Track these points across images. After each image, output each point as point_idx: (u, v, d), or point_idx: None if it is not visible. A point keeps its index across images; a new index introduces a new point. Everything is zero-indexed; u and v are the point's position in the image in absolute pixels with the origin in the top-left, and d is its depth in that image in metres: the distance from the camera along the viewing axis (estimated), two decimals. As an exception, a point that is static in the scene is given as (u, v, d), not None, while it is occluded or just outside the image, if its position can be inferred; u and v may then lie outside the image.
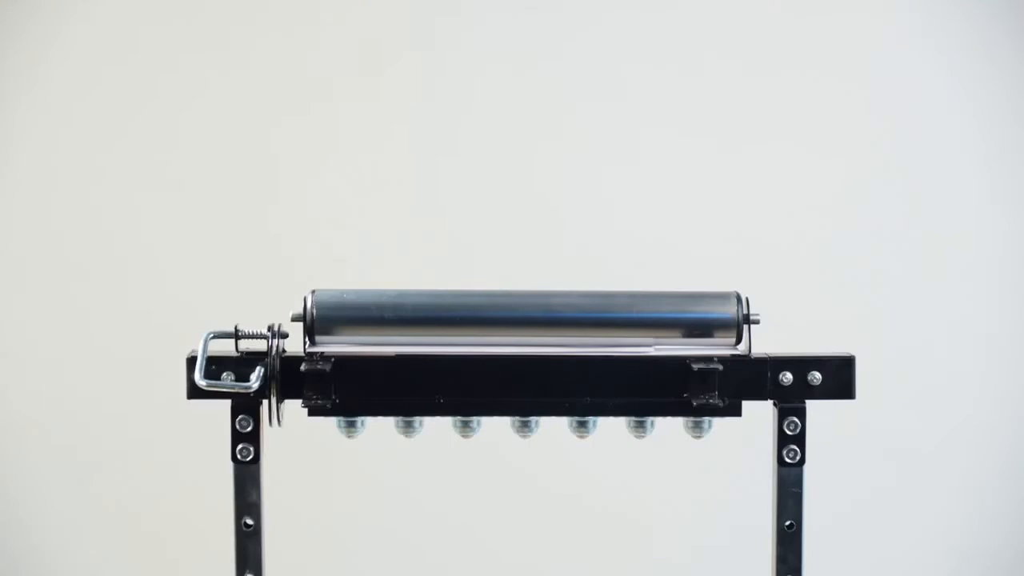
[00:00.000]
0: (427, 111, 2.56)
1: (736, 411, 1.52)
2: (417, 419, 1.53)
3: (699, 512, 2.61)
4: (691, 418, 1.53)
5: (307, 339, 1.52)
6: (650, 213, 2.59)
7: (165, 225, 2.56)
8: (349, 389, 1.50)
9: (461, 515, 2.61)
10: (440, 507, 2.61)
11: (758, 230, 2.58)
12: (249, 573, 1.49)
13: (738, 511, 2.57)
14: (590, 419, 1.53)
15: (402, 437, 1.55)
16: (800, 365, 1.52)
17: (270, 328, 1.50)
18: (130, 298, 2.56)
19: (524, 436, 1.55)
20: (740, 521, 2.56)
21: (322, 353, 1.50)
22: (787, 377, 1.52)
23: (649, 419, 1.54)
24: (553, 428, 1.58)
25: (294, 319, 1.51)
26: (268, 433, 1.52)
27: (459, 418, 1.53)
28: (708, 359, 1.51)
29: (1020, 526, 2.59)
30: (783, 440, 1.52)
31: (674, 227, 2.58)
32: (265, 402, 1.49)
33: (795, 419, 1.52)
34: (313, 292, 1.52)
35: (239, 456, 1.50)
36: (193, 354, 1.49)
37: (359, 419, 1.53)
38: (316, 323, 1.51)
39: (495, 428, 1.59)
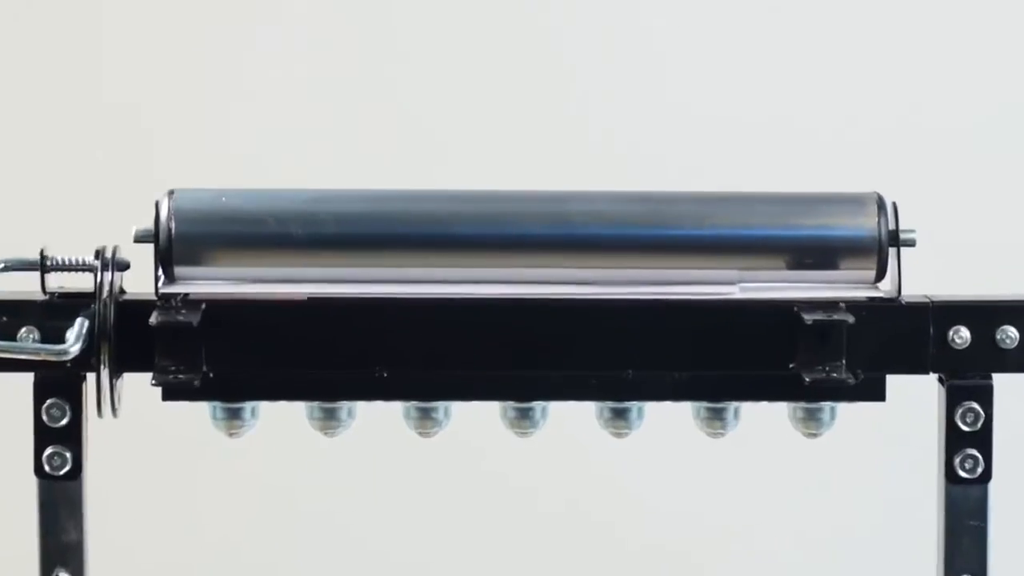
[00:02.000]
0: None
1: (877, 393, 1.52)
2: (345, 405, 1.53)
3: (810, 554, 2.71)
4: (802, 403, 1.53)
5: (161, 272, 1.52)
6: (726, 72, 2.67)
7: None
8: (230, 356, 1.49)
9: (420, 559, 2.69)
10: (383, 546, 2.68)
11: (903, 99, 2.66)
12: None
13: (875, 553, 2.68)
14: (633, 405, 1.53)
15: (320, 435, 1.55)
16: (983, 315, 1.52)
17: (99, 254, 1.50)
18: None
19: (523, 433, 1.55)
20: (878, 570, 2.66)
21: (186, 295, 1.51)
22: (962, 335, 1.51)
23: (731, 405, 1.54)
24: (571, 420, 1.60)
25: (139, 238, 1.51)
26: (96, 428, 1.51)
27: (414, 403, 1.53)
28: (830, 305, 1.50)
29: None
30: (955, 440, 1.51)
31: (767, 93, 2.67)
32: (91, 376, 1.49)
33: (975, 406, 1.51)
34: (171, 193, 1.52)
35: (48, 467, 1.50)
36: (-27, 296, 1.52)
37: (247, 405, 1.53)
38: (175, 245, 1.51)
39: (474, 420, 1.60)
